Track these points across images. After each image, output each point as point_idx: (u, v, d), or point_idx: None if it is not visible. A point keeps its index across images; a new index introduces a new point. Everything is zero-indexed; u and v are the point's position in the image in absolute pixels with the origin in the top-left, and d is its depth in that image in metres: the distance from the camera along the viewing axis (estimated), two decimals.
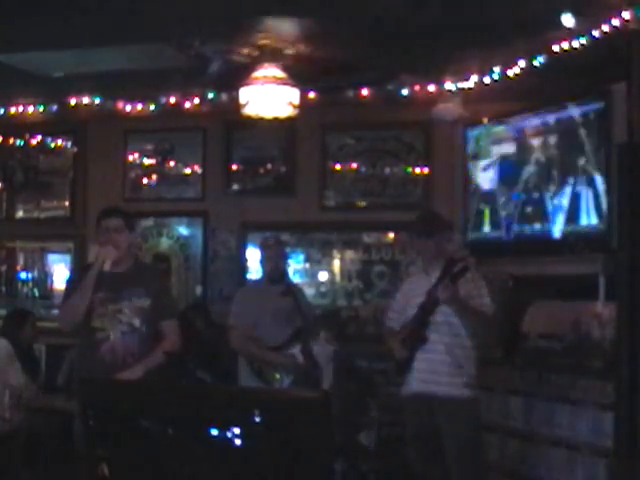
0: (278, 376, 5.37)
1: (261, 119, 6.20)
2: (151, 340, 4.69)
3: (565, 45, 5.44)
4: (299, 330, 5.58)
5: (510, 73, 6.05)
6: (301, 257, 7.79)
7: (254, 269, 7.71)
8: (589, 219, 5.79)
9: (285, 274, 6.04)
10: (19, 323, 6.50)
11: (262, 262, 5.96)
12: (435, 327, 4.86)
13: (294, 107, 6.09)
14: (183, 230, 8.23)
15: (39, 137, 8.39)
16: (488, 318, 4.87)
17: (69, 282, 5.01)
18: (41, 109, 7.52)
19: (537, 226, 6.24)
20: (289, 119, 6.33)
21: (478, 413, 4.97)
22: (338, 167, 7.75)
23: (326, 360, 5.34)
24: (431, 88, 6.68)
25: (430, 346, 4.86)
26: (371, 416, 5.80)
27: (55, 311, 7.39)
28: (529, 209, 6.31)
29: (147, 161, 8.21)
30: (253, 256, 7.76)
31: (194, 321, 6.78)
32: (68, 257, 8.33)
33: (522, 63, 5.88)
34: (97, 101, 7.30)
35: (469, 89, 6.48)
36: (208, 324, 7.22)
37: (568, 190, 5.95)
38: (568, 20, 5.05)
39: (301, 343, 5.56)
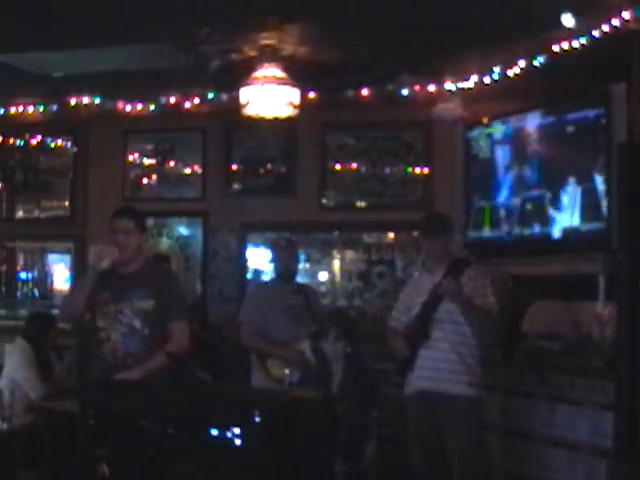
0: (287, 371, 5.39)
1: (261, 119, 6.20)
2: (155, 342, 4.64)
3: (565, 45, 5.44)
4: (315, 332, 5.58)
5: (510, 73, 6.05)
6: (301, 257, 7.78)
7: (254, 269, 7.73)
8: (589, 219, 5.79)
9: (296, 274, 6.09)
10: (44, 328, 6.50)
11: (274, 262, 6.00)
12: (439, 325, 4.86)
13: (294, 107, 6.08)
14: (183, 230, 8.23)
15: (39, 137, 8.38)
16: (492, 316, 4.87)
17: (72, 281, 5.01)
18: (41, 109, 7.51)
19: (537, 226, 6.24)
20: (289, 119, 6.32)
21: (481, 413, 4.96)
22: (338, 167, 7.75)
23: (336, 359, 5.36)
24: (431, 88, 6.68)
25: (434, 344, 4.86)
26: (372, 416, 5.79)
27: (56, 311, 7.38)
28: (529, 209, 6.31)
29: (147, 161, 8.20)
30: (253, 256, 7.77)
31: (191, 322, 6.77)
32: (68, 257, 8.33)
33: (522, 63, 5.88)
34: (97, 101, 7.30)
35: (469, 89, 6.48)
36: (204, 324, 7.23)
37: (568, 190, 5.94)
38: (568, 20, 5.05)
39: (310, 340, 5.57)
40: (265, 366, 5.67)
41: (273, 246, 6.11)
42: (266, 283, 6.44)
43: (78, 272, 5.56)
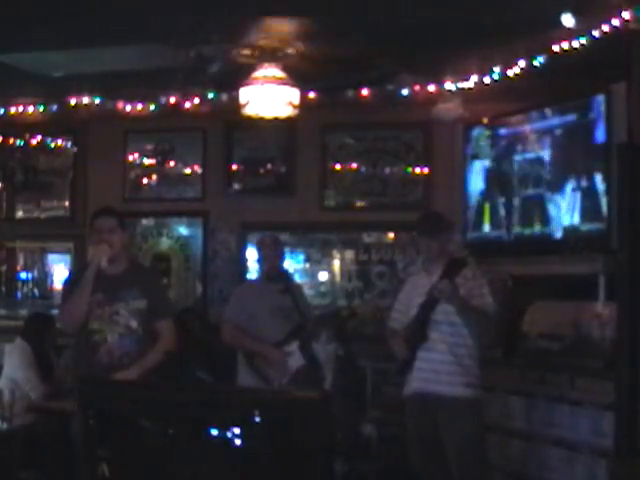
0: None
1: (261, 119, 6.20)
2: (148, 340, 4.69)
3: (565, 45, 5.44)
4: (297, 327, 5.59)
5: (510, 73, 6.05)
6: (301, 257, 7.79)
7: (254, 269, 7.71)
8: (589, 219, 5.79)
9: (284, 272, 6.04)
10: (43, 328, 6.51)
11: (260, 261, 5.97)
12: (436, 326, 4.85)
13: (294, 107, 6.09)
14: (183, 230, 8.23)
15: (39, 137, 8.38)
16: (490, 317, 4.86)
17: (66, 283, 5.02)
18: (41, 109, 7.51)
19: (537, 226, 6.24)
20: (289, 119, 6.32)
21: (480, 413, 4.96)
22: (338, 167, 7.75)
23: (327, 359, 5.35)
24: (431, 88, 6.68)
25: (432, 345, 4.85)
26: (371, 415, 5.80)
27: (55, 311, 7.38)
28: (529, 209, 6.31)
29: (147, 161, 8.21)
30: (253, 256, 7.76)
31: (188, 323, 6.78)
32: (68, 257, 8.33)
33: (522, 63, 5.88)
34: (97, 101, 7.30)
35: (469, 89, 6.48)
36: (203, 325, 7.23)
37: (568, 190, 5.95)
38: (568, 20, 5.05)
39: (299, 340, 5.56)
40: (252, 365, 5.63)
41: (258, 245, 6.06)
42: (252, 282, 6.40)
43: (72, 274, 5.57)
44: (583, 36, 5.28)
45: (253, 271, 7.74)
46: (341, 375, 5.27)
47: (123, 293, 4.66)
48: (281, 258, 5.96)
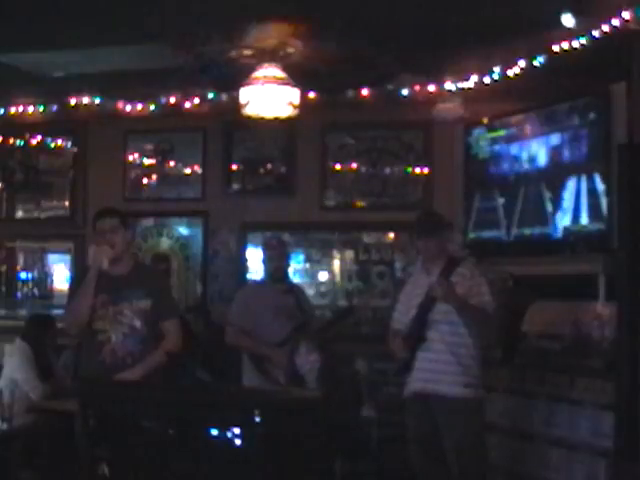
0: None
1: (261, 119, 6.20)
2: (152, 341, 4.69)
3: (565, 45, 5.44)
4: (300, 325, 5.61)
5: (510, 73, 6.05)
6: (301, 257, 7.79)
7: (254, 269, 7.71)
8: (589, 219, 5.79)
9: (287, 274, 6.07)
10: (43, 329, 6.51)
11: (265, 262, 5.98)
12: (435, 326, 4.85)
13: (294, 107, 6.09)
14: (183, 230, 8.23)
15: (39, 137, 8.39)
16: (488, 315, 4.86)
17: (70, 284, 5.03)
18: (41, 109, 7.51)
19: (537, 226, 6.24)
20: (289, 119, 6.32)
21: (480, 413, 4.95)
22: (338, 167, 7.75)
23: (310, 371, 5.39)
24: (431, 88, 6.68)
25: (431, 345, 4.85)
26: (367, 417, 5.80)
27: (55, 311, 7.39)
28: (529, 209, 6.31)
29: (147, 161, 8.21)
30: (253, 256, 7.77)
31: (191, 322, 6.79)
32: (68, 257, 8.33)
33: (522, 63, 5.89)
34: (97, 101, 7.30)
35: (469, 89, 6.48)
36: (207, 324, 7.23)
37: (568, 190, 5.95)
38: (568, 20, 5.05)
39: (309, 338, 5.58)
40: (261, 368, 5.64)
41: (264, 246, 6.08)
42: (257, 283, 6.42)
43: (76, 275, 5.61)
44: (583, 36, 5.28)
45: (253, 271, 7.74)
46: (322, 385, 5.27)
47: (127, 293, 4.66)
48: (286, 260, 5.99)
